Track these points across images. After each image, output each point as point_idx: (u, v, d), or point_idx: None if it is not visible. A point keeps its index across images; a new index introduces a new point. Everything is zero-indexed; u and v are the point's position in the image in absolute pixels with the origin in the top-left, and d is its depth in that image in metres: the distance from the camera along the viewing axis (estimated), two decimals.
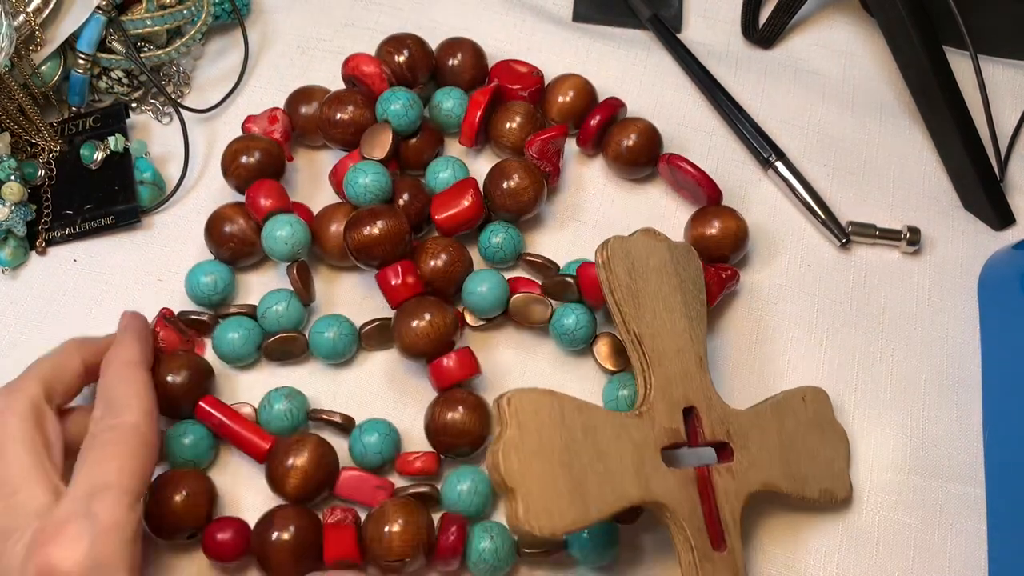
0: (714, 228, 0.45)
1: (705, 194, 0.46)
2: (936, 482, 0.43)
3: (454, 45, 0.48)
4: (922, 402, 0.45)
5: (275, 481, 0.39)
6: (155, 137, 0.48)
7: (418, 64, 0.47)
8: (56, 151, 0.46)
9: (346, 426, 0.41)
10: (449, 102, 0.47)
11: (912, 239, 0.47)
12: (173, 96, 0.48)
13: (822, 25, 0.54)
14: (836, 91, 0.52)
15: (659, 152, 0.47)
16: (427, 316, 0.40)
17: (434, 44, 0.48)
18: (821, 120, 0.51)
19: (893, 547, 0.42)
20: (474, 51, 0.48)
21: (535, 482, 0.32)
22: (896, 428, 0.44)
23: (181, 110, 0.47)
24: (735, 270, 0.45)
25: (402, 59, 0.46)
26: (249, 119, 0.46)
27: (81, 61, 0.46)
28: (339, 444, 0.41)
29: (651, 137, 0.47)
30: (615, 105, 0.47)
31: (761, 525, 0.42)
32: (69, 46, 0.46)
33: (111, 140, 0.46)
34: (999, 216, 0.49)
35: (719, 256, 0.45)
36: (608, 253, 0.39)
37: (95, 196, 0.45)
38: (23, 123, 0.45)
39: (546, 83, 0.49)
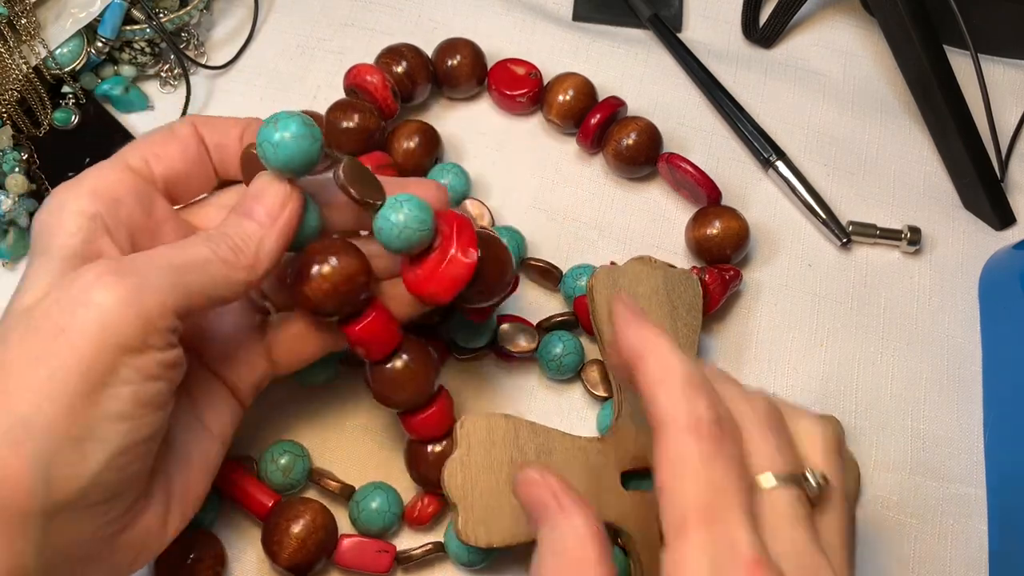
0: (715, 228, 0.45)
1: (704, 194, 0.46)
2: (936, 482, 0.43)
3: (452, 47, 0.48)
4: (922, 402, 0.45)
5: (269, 547, 0.37)
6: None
7: (416, 73, 0.47)
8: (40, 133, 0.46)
9: (344, 495, 0.40)
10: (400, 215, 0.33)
11: (913, 239, 0.47)
12: (193, 57, 0.49)
13: (822, 25, 0.54)
14: (836, 91, 0.52)
15: (659, 151, 0.47)
16: (404, 357, 0.36)
17: (434, 44, 0.48)
18: (821, 120, 0.51)
19: (893, 547, 0.42)
20: (472, 51, 0.48)
21: (477, 498, 0.35)
22: (896, 428, 0.44)
23: (190, 75, 0.48)
24: (738, 270, 0.45)
25: (400, 69, 0.46)
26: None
27: (100, 44, 0.46)
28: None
29: (651, 136, 0.47)
30: (615, 104, 0.47)
31: None
32: (90, 29, 0.46)
33: (67, 90, 0.46)
34: (999, 216, 0.48)
35: (721, 256, 0.45)
36: (593, 282, 0.40)
37: (92, 151, 0.45)
38: (25, 119, 0.45)
39: (546, 82, 0.49)
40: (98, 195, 0.29)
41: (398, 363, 0.35)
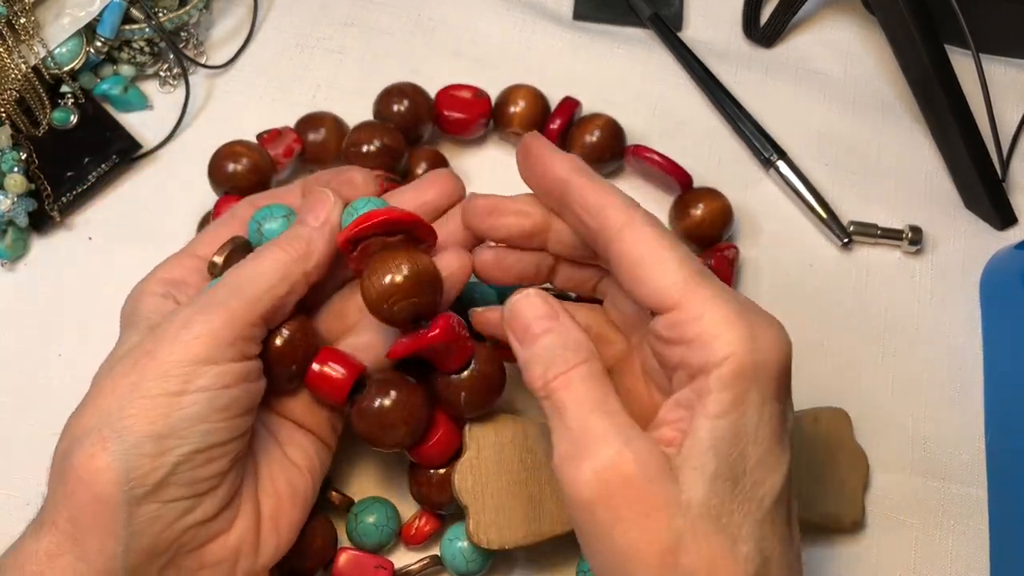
0: (699, 210, 0.45)
1: (675, 181, 0.46)
2: (937, 482, 0.43)
3: (394, 92, 0.46)
4: (923, 402, 0.45)
5: None
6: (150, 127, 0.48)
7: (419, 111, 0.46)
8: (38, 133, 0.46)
9: (343, 507, 0.39)
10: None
11: (914, 239, 0.47)
12: (192, 57, 0.49)
13: (824, 24, 0.54)
14: (837, 90, 0.52)
15: (623, 145, 0.47)
16: (393, 393, 0.35)
17: (435, 44, 0.48)
18: (822, 119, 0.51)
19: (894, 547, 0.42)
20: (415, 92, 0.46)
21: (489, 500, 0.36)
22: (897, 428, 0.44)
23: (190, 75, 0.48)
24: (734, 246, 0.45)
25: (402, 108, 0.45)
26: (267, 140, 0.45)
27: (99, 44, 0.46)
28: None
29: (614, 131, 0.47)
30: (572, 105, 0.47)
31: None
32: (89, 29, 0.46)
33: (66, 90, 0.46)
34: (1001, 216, 0.48)
35: (713, 237, 0.45)
36: None
37: (90, 150, 0.45)
38: (24, 118, 0.45)
39: (496, 97, 0.47)
40: (166, 281, 0.36)
41: (386, 402, 0.35)
